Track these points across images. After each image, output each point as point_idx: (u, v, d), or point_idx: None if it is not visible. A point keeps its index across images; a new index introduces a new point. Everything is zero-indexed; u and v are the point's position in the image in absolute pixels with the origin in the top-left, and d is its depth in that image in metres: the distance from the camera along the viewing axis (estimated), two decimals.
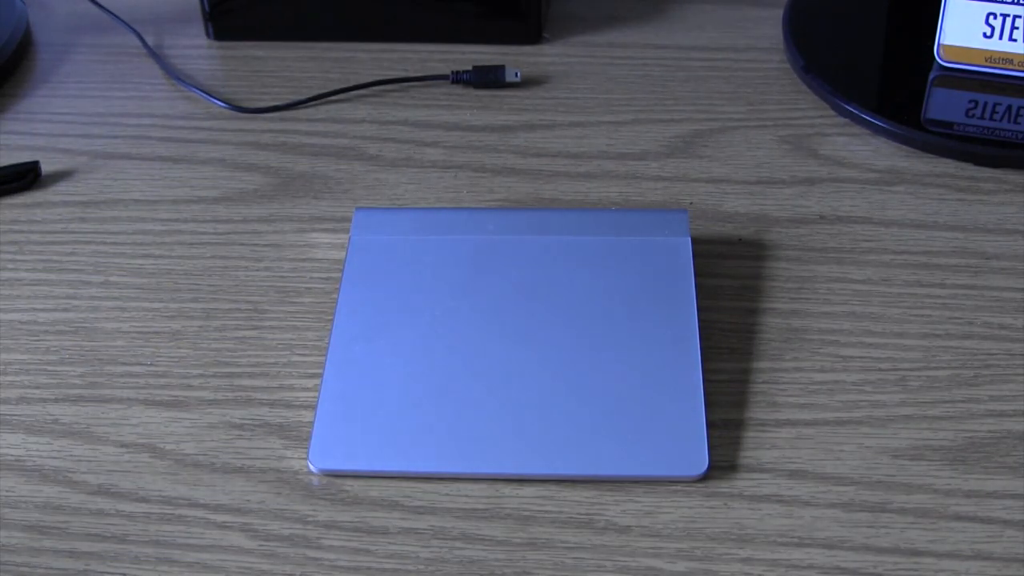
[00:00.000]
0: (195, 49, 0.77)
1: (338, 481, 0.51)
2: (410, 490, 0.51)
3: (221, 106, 0.72)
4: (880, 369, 0.55)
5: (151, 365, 0.56)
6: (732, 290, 0.59)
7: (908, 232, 0.62)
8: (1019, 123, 0.67)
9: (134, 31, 0.78)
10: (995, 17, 0.68)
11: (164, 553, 0.49)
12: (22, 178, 0.66)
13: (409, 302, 0.57)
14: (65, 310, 0.59)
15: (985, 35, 0.69)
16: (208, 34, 0.78)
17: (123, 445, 0.53)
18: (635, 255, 0.58)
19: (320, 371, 0.55)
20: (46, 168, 0.68)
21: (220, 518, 0.50)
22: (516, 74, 0.72)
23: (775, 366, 0.55)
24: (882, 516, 0.49)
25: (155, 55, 0.76)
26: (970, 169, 0.66)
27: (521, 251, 0.59)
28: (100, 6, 0.80)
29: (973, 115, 0.68)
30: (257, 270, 0.61)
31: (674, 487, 0.50)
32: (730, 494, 0.50)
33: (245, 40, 0.77)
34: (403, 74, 0.74)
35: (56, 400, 0.55)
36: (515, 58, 0.75)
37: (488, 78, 0.72)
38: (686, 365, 0.53)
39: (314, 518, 0.50)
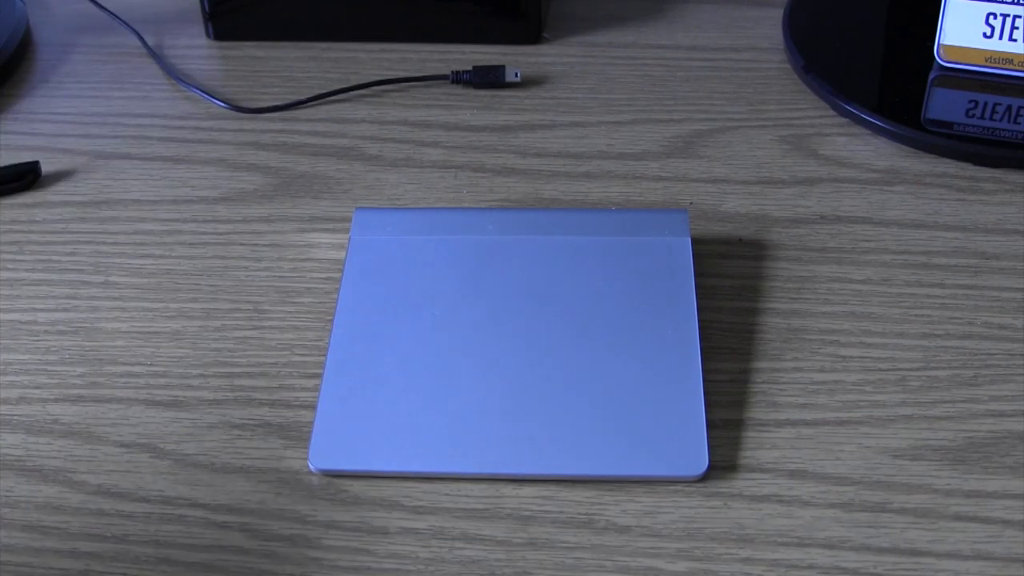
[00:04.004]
0: (195, 49, 0.77)
1: (338, 481, 0.51)
2: (410, 490, 0.51)
3: (221, 106, 0.72)
4: (880, 369, 0.55)
5: (151, 365, 0.56)
6: (732, 290, 0.59)
7: (908, 232, 0.62)
8: (1019, 123, 0.67)
9: (134, 31, 0.78)
10: (995, 17, 0.68)
11: (164, 553, 0.49)
12: (22, 178, 0.66)
13: (409, 302, 0.57)
14: (65, 310, 0.59)
15: (985, 35, 0.69)
16: (208, 34, 0.78)
17: (123, 445, 0.53)
18: (635, 255, 0.58)
19: (320, 371, 0.55)
20: (46, 168, 0.68)
21: (220, 518, 0.50)
22: (516, 74, 0.72)
23: (775, 366, 0.55)
24: (882, 516, 0.49)
25: (155, 55, 0.76)
26: (970, 169, 0.66)
27: (521, 251, 0.59)
28: (100, 6, 0.80)
29: (973, 115, 0.68)
30: (257, 270, 0.61)
31: (674, 487, 0.50)
32: (730, 494, 0.50)
33: (245, 40, 0.77)
34: (403, 74, 0.74)
35: (56, 400, 0.55)
36: (515, 58, 0.75)
37: (488, 78, 0.72)
38: (686, 365, 0.53)
39: (314, 518, 0.50)
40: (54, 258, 0.62)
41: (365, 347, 0.55)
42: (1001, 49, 0.69)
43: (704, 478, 0.50)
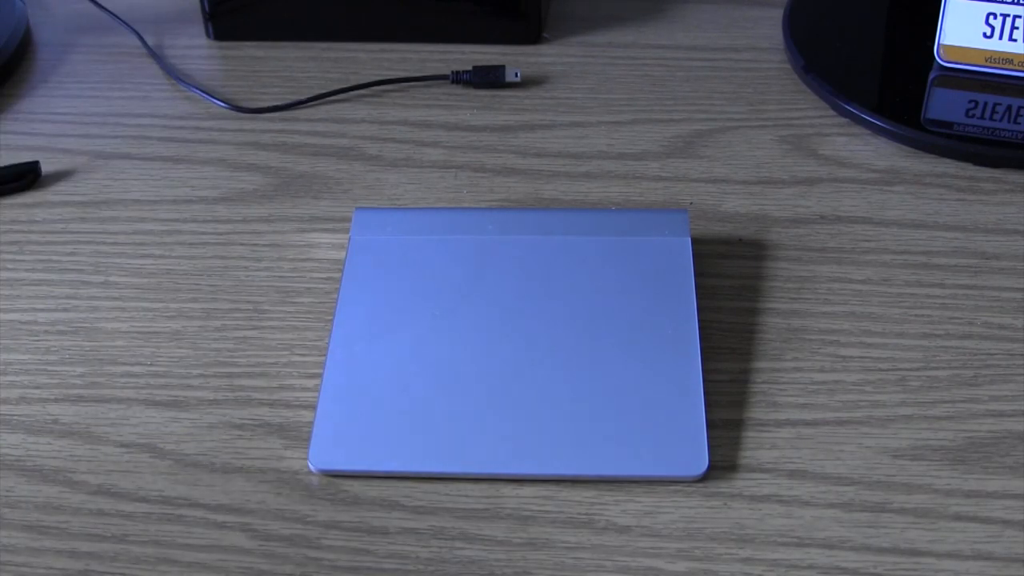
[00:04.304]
0: (195, 49, 0.77)
1: (338, 481, 0.51)
2: (410, 490, 0.51)
3: (221, 106, 0.72)
4: (880, 369, 0.55)
5: (151, 365, 0.56)
6: (732, 290, 0.59)
7: (908, 232, 0.62)
8: (1019, 123, 0.67)
9: (134, 31, 0.78)
10: (995, 17, 0.68)
11: (164, 553, 0.49)
12: (22, 178, 0.66)
13: (409, 302, 0.57)
14: (65, 310, 0.59)
15: (985, 35, 0.69)
16: (208, 34, 0.78)
17: (123, 445, 0.53)
18: (635, 255, 0.58)
19: (320, 371, 0.55)
20: (46, 168, 0.68)
21: (220, 518, 0.50)
22: (516, 74, 0.72)
23: (775, 366, 0.55)
24: (882, 516, 0.49)
25: (155, 55, 0.76)
26: (970, 169, 0.66)
27: (521, 251, 0.59)
28: (100, 6, 0.80)
29: (973, 115, 0.68)
30: (257, 270, 0.61)
31: (674, 487, 0.50)
32: (730, 494, 0.50)
33: (245, 40, 0.77)
34: (403, 74, 0.74)
35: (56, 400, 0.55)
36: (515, 58, 0.75)
37: (488, 78, 0.72)
38: (686, 365, 0.53)
39: (314, 518, 0.50)
40: (54, 258, 0.62)
41: (365, 347, 0.55)
42: (1001, 49, 0.69)
43: (704, 478, 0.50)
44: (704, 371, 0.54)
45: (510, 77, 0.72)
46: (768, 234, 0.62)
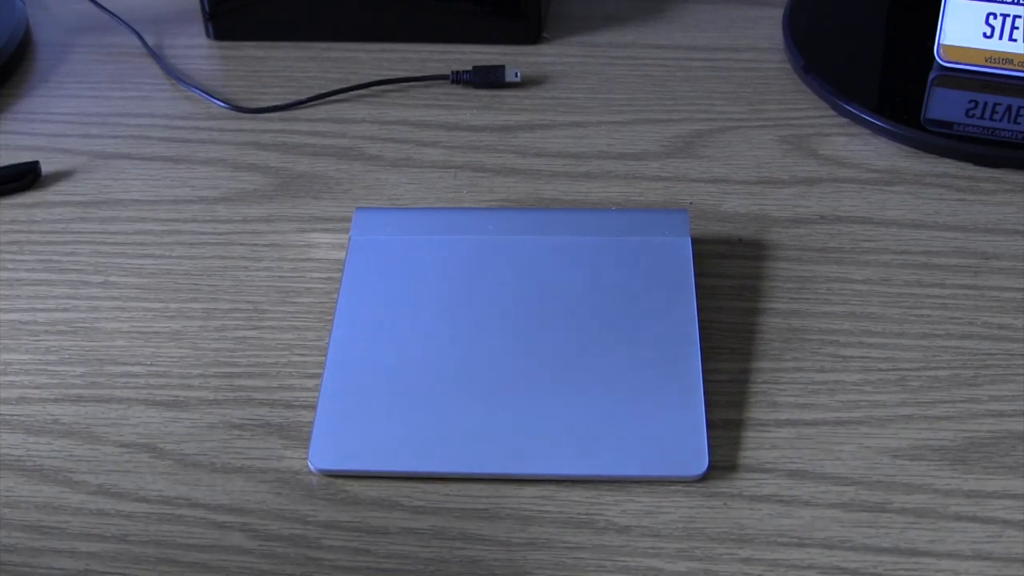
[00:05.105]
0: (195, 49, 0.77)
1: (338, 481, 0.51)
2: (410, 490, 0.51)
3: (221, 106, 0.72)
4: (880, 369, 0.55)
5: (151, 365, 0.56)
6: (732, 290, 0.59)
7: (908, 232, 0.62)
8: (1019, 123, 0.67)
9: (134, 31, 0.78)
10: (995, 17, 0.68)
11: (164, 553, 0.49)
12: (22, 178, 0.66)
13: (409, 302, 0.57)
14: (65, 310, 0.59)
15: (985, 35, 0.69)
16: (208, 34, 0.78)
17: (123, 445, 0.53)
18: (635, 255, 0.58)
19: (320, 371, 0.55)
20: (46, 168, 0.68)
21: (220, 518, 0.50)
22: (516, 74, 0.72)
23: (775, 366, 0.55)
24: (882, 516, 0.49)
25: (155, 55, 0.76)
26: (970, 169, 0.66)
27: (521, 251, 0.59)
28: (100, 6, 0.80)
29: (973, 115, 0.68)
30: (257, 270, 0.61)
31: (674, 487, 0.50)
32: (730, 494, 0.50)
33: (245, 40, 0.77)
34: (403, 74, 0.74)
35: (56, 400, 0.55)
36: (515, 58, 0.75)
37: (488, 78, 0.72)
38: (686, 365, 0.53)
39: (314, 518, 0.50)
40: (54, 258, 0.62)
41: (365, 347, 0.55)
42: (1001, 49, 0.69)
43: (704, 478, 0.50)
44: (704, 371, 0.54)
45: (510, 77, 0.72)
46: (768, 234, 0.62)
